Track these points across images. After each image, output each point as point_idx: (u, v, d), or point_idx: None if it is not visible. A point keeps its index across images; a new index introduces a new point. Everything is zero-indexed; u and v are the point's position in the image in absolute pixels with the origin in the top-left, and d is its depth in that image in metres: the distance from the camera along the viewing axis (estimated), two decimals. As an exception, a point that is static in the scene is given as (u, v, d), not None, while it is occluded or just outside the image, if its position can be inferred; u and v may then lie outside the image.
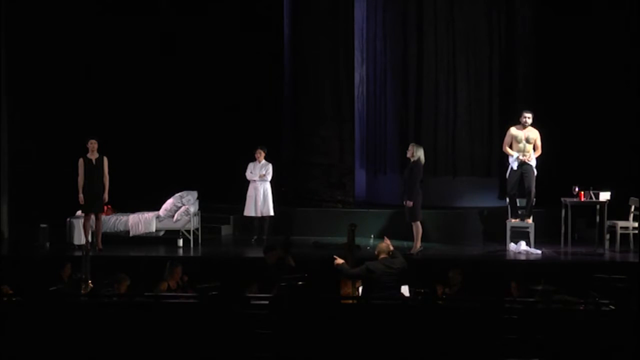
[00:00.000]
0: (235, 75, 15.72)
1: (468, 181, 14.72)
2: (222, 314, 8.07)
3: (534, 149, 12.77)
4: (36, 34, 14.65)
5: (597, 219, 12.59)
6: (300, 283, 9.85)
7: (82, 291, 9.59)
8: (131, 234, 13.50)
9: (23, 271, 11.20)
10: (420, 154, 12.48)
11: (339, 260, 9.67)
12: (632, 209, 12.66)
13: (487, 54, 14.73)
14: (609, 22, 14.42)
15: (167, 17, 15.81)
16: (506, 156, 12.99)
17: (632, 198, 12.74)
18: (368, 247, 12.68)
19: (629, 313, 7.87)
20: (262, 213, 13.66)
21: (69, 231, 13.34)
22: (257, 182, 13.65)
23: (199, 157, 15.46)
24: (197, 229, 13.48)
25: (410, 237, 12.58)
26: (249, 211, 13.72)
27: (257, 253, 12.02)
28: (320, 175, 14.73)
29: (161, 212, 13.62)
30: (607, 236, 12.63)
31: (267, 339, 7.87)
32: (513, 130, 12.84)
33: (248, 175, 13.73)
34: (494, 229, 13.37)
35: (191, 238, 13.31)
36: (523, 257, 12.33)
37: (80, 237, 13.16)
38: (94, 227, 12.96)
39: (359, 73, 15.58)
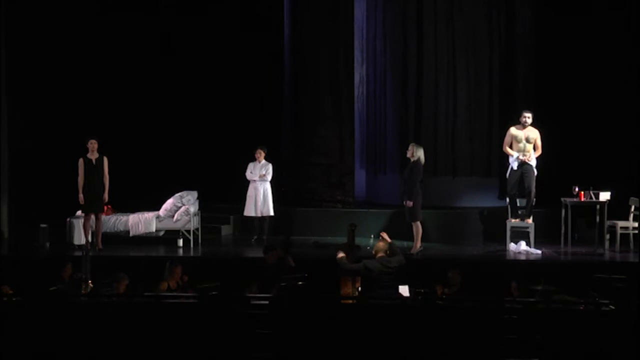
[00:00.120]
0: (235, 75, 15.72)
1: (468, 181, 14.72)
2: (222, 314, 8.07)
3: (534, 148, 12.77)
4: (36, 34, 14.65)
5: (597, 219, 12.59)
6: (300, 283, 9.86)
7: (82, 291, 9.59)
8: (131, 234, 13.50)
9: (23, 271, 11.20)
10: (420, 154, 12.48)
11: (341, 254, 9.71)
12: (632, 209, 12.66)
13: (487, 53, 14.73)
14: (609, 22, 14.42)
15: (167, 17, 15.81)
16: (506, 156, 12.99)
17: (632, 198, 12.74)
18: (368, 247, 12.66)
19: (629, 313, 7.87)
20: (262, 213, 13.66)
21: (69, 231, 13.34)
22: (257, 182, 13.65)
23: (199, 157, 15.46)
24: (197, 229, 13.48)
25: (410, 237, 12.58)
26: (249, 211, 13.72)
27: (257, 253, 12.02)
28: (320, 175, 14.73)
29: (161, 212, 13.62)
30: (607, 236, 12.63)
31: (267, 339, 7.87)
32: (513, 130, 12.84)
33: (248, 175, 13.73)
34: (494, 229, 13.37)
35: (191, 238, 13.31)
36: (523, 257, 12.32)
37: (80, 237, 13.16)
38: (94, 227, 12.96)
39: (359, 73, 15.58)
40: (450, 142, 14.74)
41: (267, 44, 15.65)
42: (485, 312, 7.97)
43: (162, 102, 15.64)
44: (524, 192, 12.78)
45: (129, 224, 13.49)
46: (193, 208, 13.50)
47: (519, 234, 12.70)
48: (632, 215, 12.67)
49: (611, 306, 8.11)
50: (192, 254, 12.89)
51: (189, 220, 13.35)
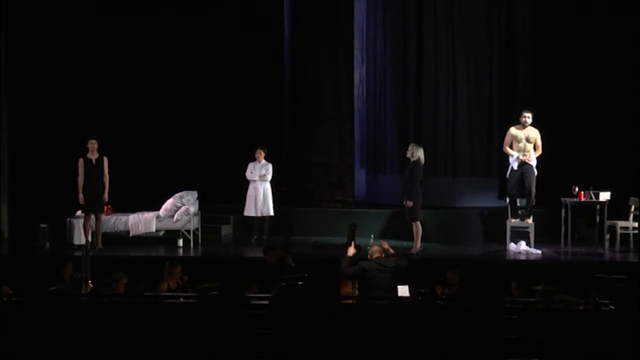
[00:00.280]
0: (235, 75, 15.72)
1: (468, 181, 14.72)
2: (222, 314, 8.07)
3: (535, 148, 12.77)
4: (36, 34, 14.65)
5: (597, 219, 12.59)
6: (300, 283, 9.86)
7: (82, 291, 9.58)
8: (131, 234, 13.51)
9: (23, 271, 11.20)
10: (420, 154, 12.49)
11: (352, 251, 9.72)
12: (632, 209, 12.66)
13: (487, 54, 14.72)
14: (609, 22, 14.42)
15: (167, 17, 15.80)
16: (506, 156, 12.99)
17: (632, 198, 12.75)
18: (368, 247, 12.66)
19: (629, 313, 7.86)
20: (262, 213, 13.66)
21: (69, 231, 13.34)
22: (257, 182, 13.65)
23: (199, 157, 15.46)
24: (197, 229, 13.49)
25: (410, 237, 12.59)
26: (249, 211, 13.72)
27: (257, 253, 12.02)
28: (320, 175, 14.73)
29: (161, 212, 13.62)
30: (607, 236, 12.64)
31: (267, 339, 7.87)
32: (513, 130, 12.84)
33: (248, 175, 13.73)
34: (494, 229, 13.37)
35: (191, 238, 13.31)
36: (523, 257, 12.32)
37: (80, 237, 13.17)
38: (94, 227, 12.96)
39: (359, 73, 15.58)
40: (450, 142, 14.74)
41: (267, 44, 15.65)
42: (485, 312, 7.96)
43: (162, 102, 15.64)
44: (524, 192, 12.78)
45: (129, 224, 13.50)
46: (193, 208, 13.50)
47: (519, 234, 12.69)
48: (632, 215, 12.67)
49: (611, 306, 8.11)
50: (192, 254, 12.90)
51: (189, 220, 13.35)
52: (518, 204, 12.88)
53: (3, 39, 14.28)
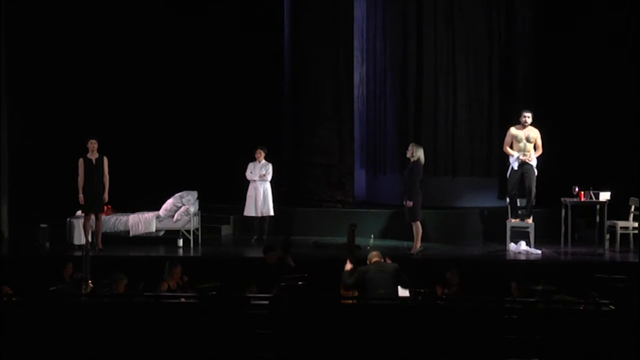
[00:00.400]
0: (235, 75, 15.72)
1: (468, 181, 14.71)
2: (222, 314, 8.07)
3: (535, 148, 12.77)
4: (36, 34, 14.65)
5: (597, 219, 12.59)
6: (300, 283, 9.86)
7: (82, 291, 9.58)
8: (131, 234, 13.51)
9: (23, 271, 11.20)
10: (420, 154, 12.49)
11: (349, 266, 9.72)
12: (632, 209, 12.66)
13: (486, 53, 14.72)
14: (609, 22, 14.42)
15: (167, 17, 15.79)
16: (506, 156, 12.99)
17: (632, 198, 12.75)
18: (368, 247, 12.66)
19: (629, 313, 7.86)
20: (262, 213, 13.66)
21: (69, 231, 13.34)
22: (257, 182, 13.66)
23: (199, 157, 15.45)
24: (197, 229, 13.48)
25: (410, 237, 12.59)
26: (249, 211, 13.72)
27: (257, 253, 12.02)
28: (320, 175, 14.73)
29: (161, 212, 13.62)
30: (607, 236, 12.64)
31: (267, 339, 7.87)
32: (513, 130, 12.84)
33: (248, 175, 13.73)
34: (494, 229, 13.37)
35: (191, 238, 13.31)
36: (523, 257, 12.33)
37: (80, 237, 13.17)
38: (94, 227, 12.96)
39: (359, 73, 15.58)
40: (450, 142, 14.73)
41: (267, 44, 15.64)
42: (485, 312, 7.96)
43: (162, 102, 15.64)
44: (524, 192, 12.77)
45: (129, 224, 13.49)
46: (193, 208, 13.50)
47: (519, 234, 12.69)
48: (632, 215, 12.67)
49: (611, 306, 8.11)
50: (192, 254, 12.90)
51: (189, 220, 13.35)
52: (518, 204, 12.87)
53: (3, 39, 14.28)
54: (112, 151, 13.11)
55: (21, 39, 14.49)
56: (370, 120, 15.40)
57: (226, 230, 14.60)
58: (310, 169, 14.77)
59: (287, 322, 8.00)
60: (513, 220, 12.83)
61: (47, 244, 13.20)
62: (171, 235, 13.45)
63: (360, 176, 15.52)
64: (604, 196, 12.54)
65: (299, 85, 14.94)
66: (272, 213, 13.70)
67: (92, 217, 12.89)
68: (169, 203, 13.63)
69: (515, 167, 12.77)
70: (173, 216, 13.50)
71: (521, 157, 12.68)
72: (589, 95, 14.48)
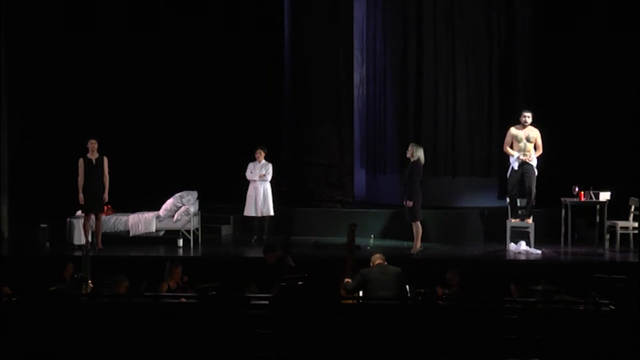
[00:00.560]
0: (235, 75, 15.72)
1: (468, 181, 14.71)
2: (222, 314, 8.07)
3: (535, 148, 12.77)
4: (36, 34, 14.65)
5: (597, 219, 12.59)
6: (300, 283, 9.85)
7: (82, 291, 9.58)
8: (131, 234, 13.51)
9: (23, 271, 11.19)
10: (420, 154, 12.49)
11: (347, 279, 9.72)
12: (632, 209, 12.66)
13: (486, 53, 14.71)
14: (609, 22, 14.41)
15: (167, 17, 15.79)
16: (506, 156, 12.99)
17: (632, 198, 12.75)
18: (368, 247, 12.69)
19: (629, 313, 7.86)
20: (262, 213, 13.66)
21: (69, 231, 13.34)
22: (257, 182, 13.66)
23: (199, 157, 15.45)
24: (197, 229, 13.48)
25: (410, 237, 12.59)
26: (249, 211, 13.73)
27: (257, 253, 12.02)
28: (320, 175, 14.73)
29: (161, 212, 13.62)
30: (607, 236, 12.64)
31: (267, 339, 7.86)
32: (513, 130, 12.85)
33: (248, 175, 13.73)
34: (494, 229, 13.37)
35: (191, 238, 13.31)
36: (523, 257, 12.33)
37: (80, 237, 13.17)
38: (94, 227, 12.96)
39: (359, 73, 15.58)
40: (450, 142, 14.73)
41: (267, 44, 15.64)
42: (485, 312, 7.96)
43: (162, 102, 15.64)
44: (524, 192, 12.77)
45: (129, 224, 13.50)
46: (193, 208, 13.50)
47: (519, 234, 12.69)
48: (632, 215, 12.67)
49: (611, 306, 8.11)
50: (192, 254, 12.90)
51: (189, 220, 13.35)
52: (518, 204, 12.87)
53: (3, 39, 14.28)
54: (112, 151, 13.11)
55: (21, 39, 14.49)
56: (370, 120, 15.40)
57: (226, 230, 14.60)
58: (310, 169, 14.77)
59: (287, 322, 7.99)
60: (513, 220, 12.83)
61: (47, 244, 13.20)
62: (171, 235, 13.45)
63: (360, 176, 15.52)
64: (604, 196, 12.55)
65: (299, 85, 14.95)
66: (272, 213, 13.70)
67: (92, 217, 12.89)
68: (169, 203, 13.63)
69: (516, 167, 12.77)
70: (173, 216, 13.51)
71: (521, 157, 12.68)
72: (589, 95, 14.49)
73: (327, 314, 8.02)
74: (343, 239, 10.99)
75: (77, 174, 12.75)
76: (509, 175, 12.88)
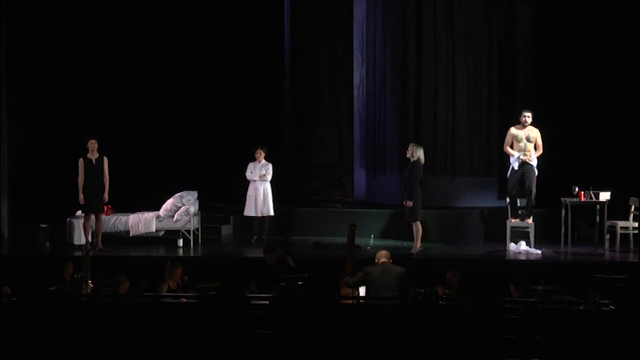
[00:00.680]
0: (235, 75, 15.71)
1: (468, 181, 14.71)
2: (222, 314, 8.07)
3: (535, 148, 12.77)
4: (36, 34, 14.65)
5: (597, 219, 12.60)
6: (300, 283, 9.85)
7: (83, 291, 9.58)
8: (131, 234, 13.50)
9: (23, 271, 11.19)
10: (420, 153, 12.49)
11: (346, 290, 9.72)
12: (632, 209, 12.66)
13: (486, 53, 14.72)
14: (609, 22, 14.41)
15: (167, 17, 15.79)
16: (506, 156, 12.99)
17: (632, 198, 12.74)
18: (368, 247, 12.69)
19: (629, 313, 7.86)
20: (262, 213, 13.66)
21: (69, 231, 13.34)
22: (257, 182, 13.66)
23: (199, 157, 15.45)
24: (197, 229, 13.48)
25: (410, 237, 12.59)
26: (249, 211, 13.72)
27: (257, 253, 12.01)
28: (320, 175, 14.73)
29: (161, 212, 13.62)
30: (607, 236, 12.64)
31: (267, 339, 7.86)
32: (513, 130, 12.85)
33: (248, 175, 13.73)
34: (494, 229, 13.37)
35: (191, 238, 13.31)
36: (523, 257, 12.33)
37: (80, 237, 13.17)
38: (94, 227, 12.96)
39: (359, 73, 15.57)
40: (450, 142, 14.73)
41: (267, 44, 15.63)
42: (485, 312, 7.96)
43: (162, 102, 15.63)
44: (524, 192, 12.77)
45: (129, 224, 13.49)
46: (193, 208, 13.50)
47: (519, 234, 12.70)
48: (632, 215, 12.67)
49: (611, 306, 8.11)
50: (192, 254, 12.89)
51: (189, 220, 13.35)
52: (518, 204, 12.87)
53: (3, 38, 14.28)
54: (112, 151, 13.11)
55: (21, 38, 14.49)
56: (370, 120, 15.40)
57: (226, 230, 14.59)
58: (310, 169, 14.77)
59: (287, 322, 7.99)
60: (513, 220, 12.83)
61: (47, 244, 13.20)
62: (171, 235, 13.45)
63: (360, 176, 15.52)
64: (604, 196, 12.55)
65: (298, 85, 14.95)
66: (272, 213, 13.70)
67: (92, 217, 12.89)
68: (169, 203, 13.62)
69: (516, 167, 12.76)
70: (173, 216, 13.50)
71: (521, 157, 12.68)
72: (589, 95, 14.48)
73: (327, 314, 8.02)
74: (343, 239, 10.99)
75: (77, 174, 12.75)
76: (509, 175, 12.88)
